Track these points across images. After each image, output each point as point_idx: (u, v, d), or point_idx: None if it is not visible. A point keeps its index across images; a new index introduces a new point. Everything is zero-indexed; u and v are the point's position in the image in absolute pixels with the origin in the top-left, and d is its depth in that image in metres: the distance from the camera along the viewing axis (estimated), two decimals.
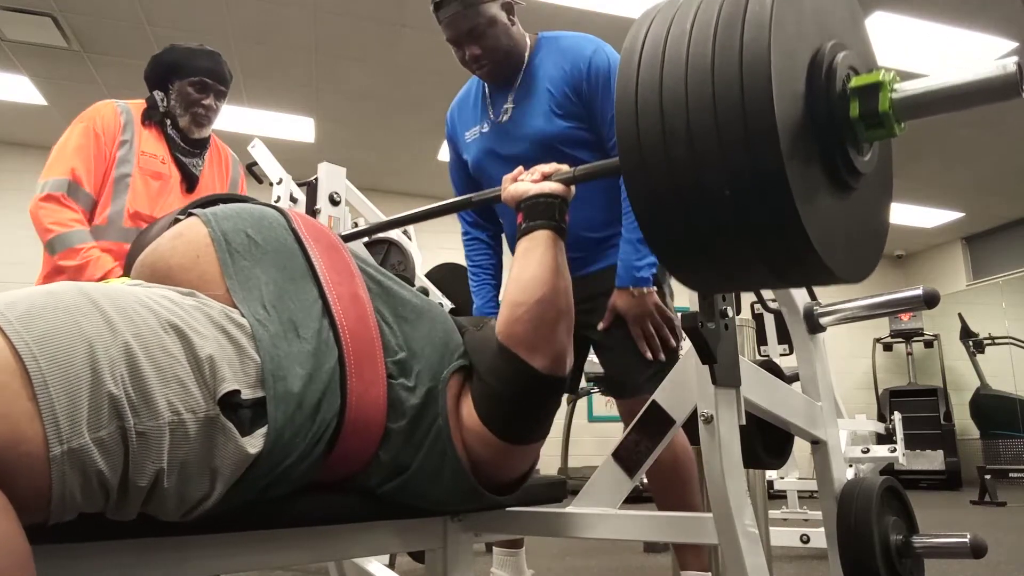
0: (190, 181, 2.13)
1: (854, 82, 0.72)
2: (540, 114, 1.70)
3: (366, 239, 2.84)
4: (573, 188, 1.12)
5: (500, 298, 1.93)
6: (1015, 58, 0.69)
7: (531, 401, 1.00)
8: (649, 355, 1.63)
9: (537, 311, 0.98)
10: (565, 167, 1.13)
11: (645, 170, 0.72)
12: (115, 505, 0.69)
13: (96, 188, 1.96)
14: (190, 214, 0.97)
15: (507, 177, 1.16)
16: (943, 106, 0.72)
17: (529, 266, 1.02)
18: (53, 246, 1.87)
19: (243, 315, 0.83)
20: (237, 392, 0.76)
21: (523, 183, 1.12)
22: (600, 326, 1.67)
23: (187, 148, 2.13)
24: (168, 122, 2.10)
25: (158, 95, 2.10)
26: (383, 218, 2.84)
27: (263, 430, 0.77)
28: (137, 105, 2.10)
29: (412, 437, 0.94)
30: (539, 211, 1.07)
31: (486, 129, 1.80)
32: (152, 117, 2.08)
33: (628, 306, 1.62)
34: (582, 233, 1.70)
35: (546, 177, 1.11)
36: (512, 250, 1.85)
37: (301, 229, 0.99)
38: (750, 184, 0.66)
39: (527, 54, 1.75)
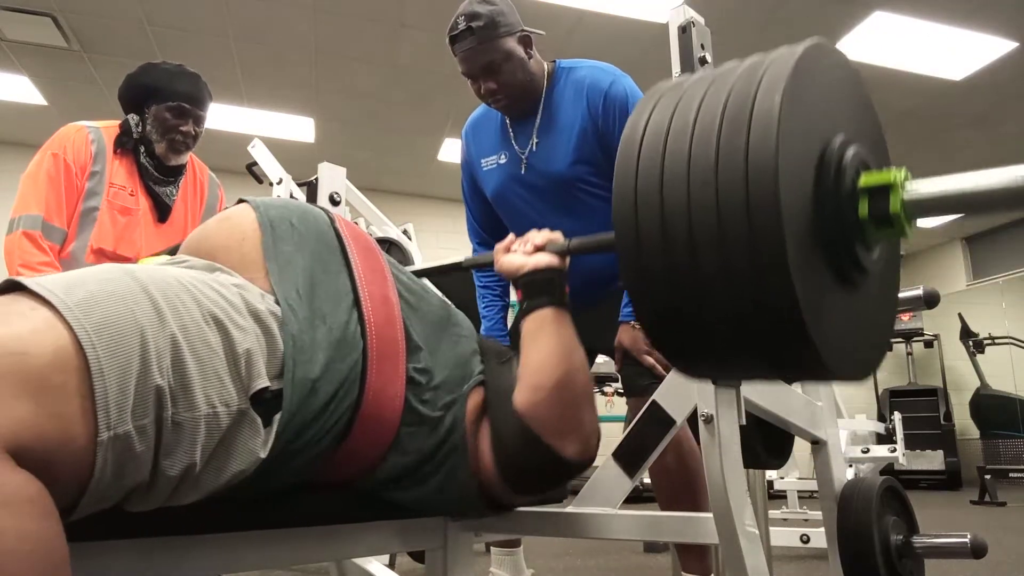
0: (162, 211, 2.04)
1: (864, 181, 0.70)
2: (560, 157, 1.69)
3: None
4: (568, 259, 1.08)
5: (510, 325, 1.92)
6: None
7: (556, 480, 1.01)
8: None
9: (558, 396, 0.96)
10: (558, 236, 1.10)
11: (643, 271, 0.70)
12: (144, 493, 0.70)
13: (67, 222, 1.90)
14: (240, 200, 1.01)
15: (499, 247, 1.13)
16: (957, 209, 0.70)
17: (541, 349, 0.99)
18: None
19: (276, 301, 0.85)
20: (267, 388, 0.78)
21: (517, 256, 1.08)
22: (616, 368, 1.70)
23: (160, 177, 2.03)
24: (142, 149, 1.99)
25: (133, 119, 1.99)
26: (383, 218, 2.85)
27: (279, 416, 0.79)
28: (109, 130, 2.00)
29: (426, 449, 0.94)
30: (538, 288, 1.04)
31: (504, 160, 1.79)
32: (125, 144, 1.98)
33: (632, 341, 1.64)
34: (591, 274, 1.71)
35: (539, 248, 1.07)
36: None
37: (343, 229, 1.02)
38: (754, 290, 0.64)
39: (545, 84, 1.73)
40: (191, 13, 4.23)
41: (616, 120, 1.64)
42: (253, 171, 2.81)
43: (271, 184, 2.68)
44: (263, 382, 0.77)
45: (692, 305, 0.68)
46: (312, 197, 2.12)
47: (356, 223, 2.89)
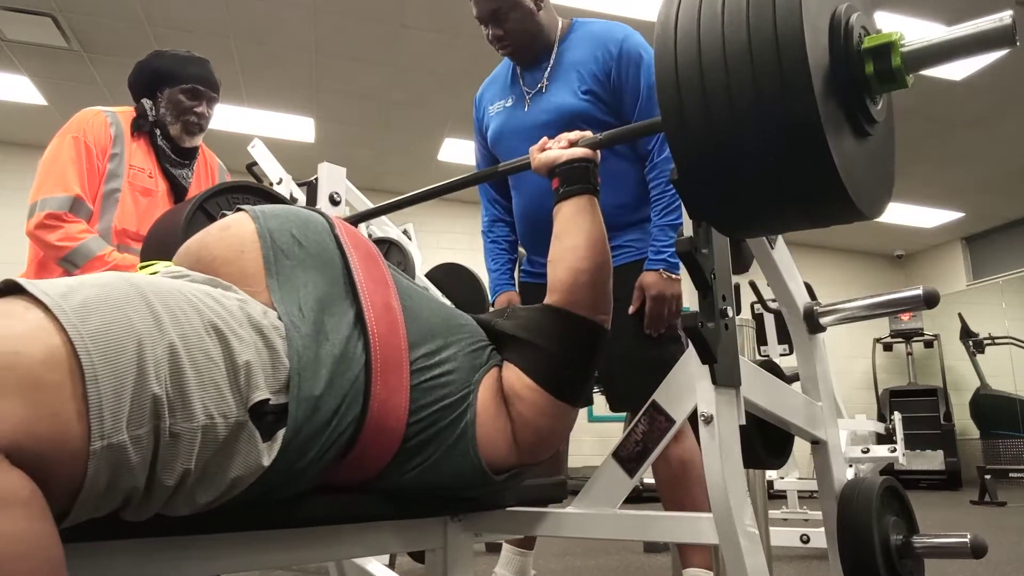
0: (178, 194, 2.08)
1: (867, 43, 0.79)
2: (566, 91, 1.76)
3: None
4: (599, 153, 1.16)
5: (519, 269, 1.98)
6: (1010, 12, 0.74)
7: (590, 355, 1.07)
8: (649, 332, 1.71)
9: (598, 275, 1.07)
10: (589, 133, 1.18)
11: (686, 122, 0.78)
12: (137, 504, 0.69)
13: (91, 203, 1.91)
14: (239, 210, 0.99)
15: (534, 148, 1.20)
16: (948, 57, 0.79)
17: (581, 233, 1.08)
18: (73, 261, 1.83)
19: (279, 316, 0.84)
20: (267, 400, 0.77)
21: (552, 151, 1.16)
22: (631, 309, 1.71)
23: (176, 159, 2.07)
24: (158, 132, 2.03)
25: (147, 103, 2.03)
26: (383, 218, 2.84)
27: (282, 432, 0.78)
28: (125, 114, 2.03)
29: (435, 437, 0.95)
30: (576, 176, 1.12)
31: (510, 104, 1.86)
32: (141, 127, 2.02)
33: (655, 283, 1.67)
34: None
35: (572, 144, 1.15)
36: (520, 225, 1.89)
37: (343, 236, 1.00)
38: (786, 129, 0.73)
39: (558, 37, 1.82)
40: (191, 13, 4.23)
41: (630, 69, 1.72)
42: (253, 171, 2.81)
43: (271, 184, 2.67)
44: (263, 394, 0.76)
45: (736, 167, 0.77)
46: (312, 197, 2.11)
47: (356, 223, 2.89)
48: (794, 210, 0.83)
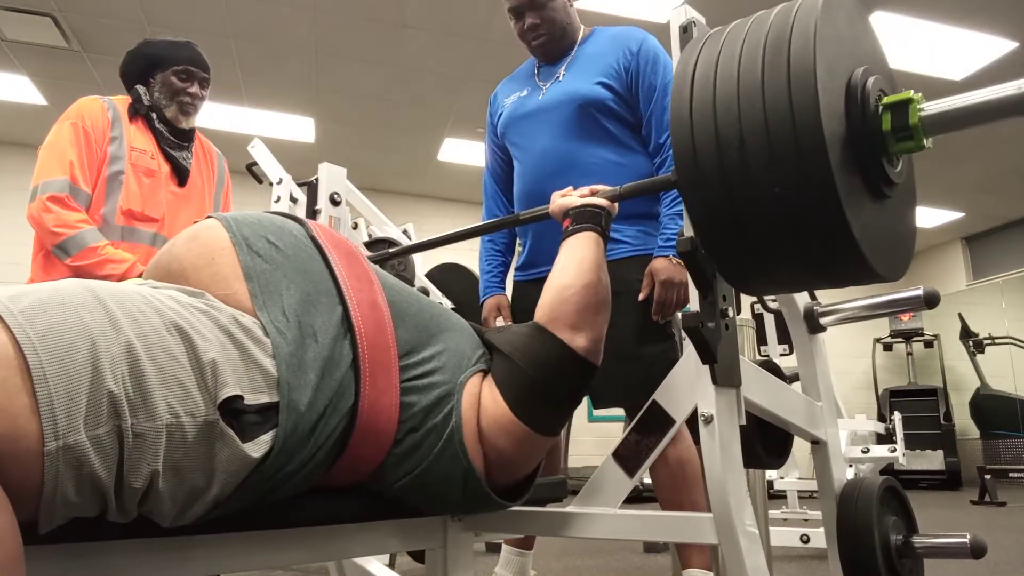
0: (180, 174, 2.10)
1: (886, 99, 0.80)
2: (582, 79, 1.80)
3: (366, 239, 2.84)
4: (616, 206, 1.20)
5: (512, 276, 1.98)
6: None
7: (564, 384, 1.02)
8: (656, 318, 1.72)
9: (583, 295, 1.04)
10: (607, 187, 1.22)
11: (701, 183, 0.79)
12: (114, 508, 0.68)
13: (92, 187, 1.93)
14: (208, 217, 0.96)
15: (556, 194, 1.25)
16: (967, 122, 0.79)
17: (575, 258, 1.09)
18: (66, 249, 1.83)
19: (260, 322, 0.82)
20: (240, 398, 0.75)
21: (571, 197, 1.20)
22: (641, 296, 1.72)
23: (175, 141, 2.10)
24: (154, 116, 2.06)
25: (140, 89, 2.07)
26: (383, 218, 2.84)
27: (269, 435, 0.77)
28: (122, 100, 2.07)
29: (423, 440, 0.94)
30: (586, 217, 1.15)
31: (524, 94, 1.90)
32: (139, 110, 2.05)
33: (664, 268, 1.68)
34: None
35: (592, 194, 1.19)
36: (519, 206, 1.91)
37: (320, 236, 0.98)
38: (801, 191, 0.73)
39: (580, 38, 1.90)
40: (191, 13, 4.23)
41: (648, 65, 1.77)
42: (253, 171, 2.81)
43: (271, 184, 2.67)
44: (232, 390, 0.74)
45: (744, 207, 0.78)
46: (312, 197, 2.12)
47: (356, 223, 2.89)
48: (811, 273, 0.83)
